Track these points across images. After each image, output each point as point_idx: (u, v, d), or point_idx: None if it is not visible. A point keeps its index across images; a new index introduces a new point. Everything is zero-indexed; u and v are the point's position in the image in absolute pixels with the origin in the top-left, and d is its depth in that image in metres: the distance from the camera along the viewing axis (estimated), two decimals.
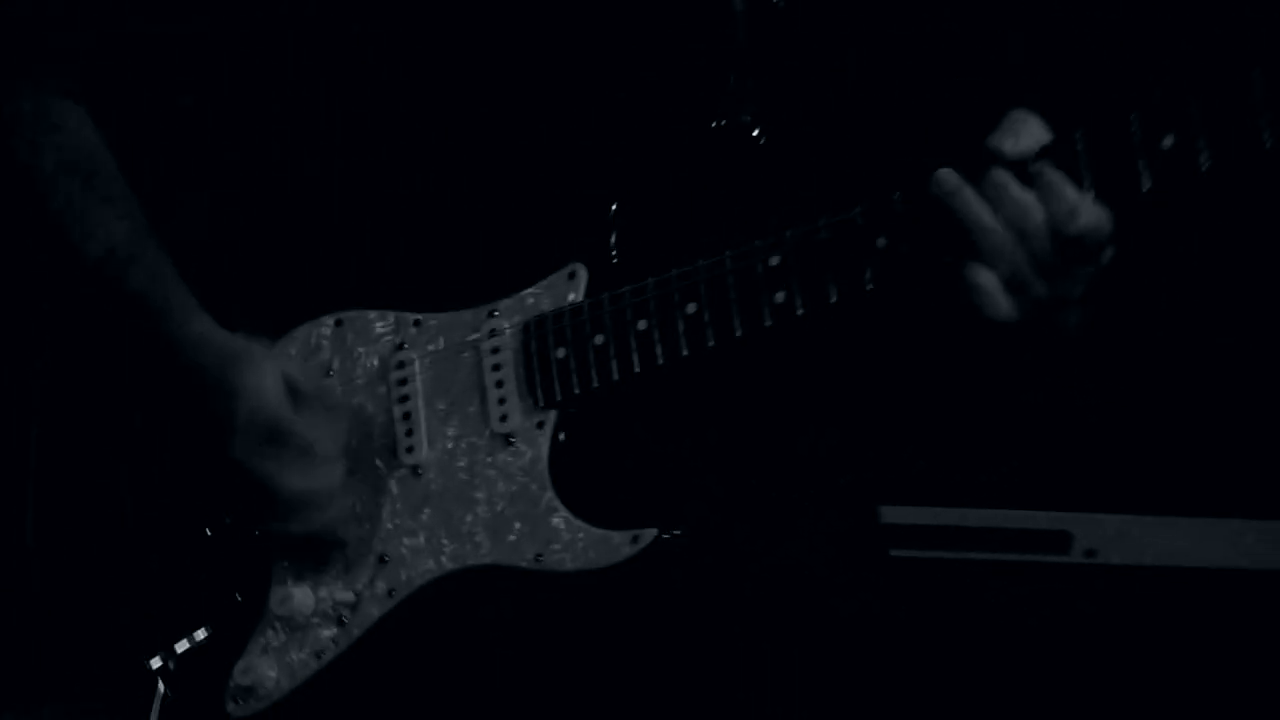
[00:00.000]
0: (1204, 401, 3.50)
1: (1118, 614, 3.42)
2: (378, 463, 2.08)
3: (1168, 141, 1.87)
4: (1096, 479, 3.39)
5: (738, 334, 1.97)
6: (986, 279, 1.90)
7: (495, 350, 2.04)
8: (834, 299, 1.95)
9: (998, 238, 1.87)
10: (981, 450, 3.36)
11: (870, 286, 1.95)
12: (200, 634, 2.10)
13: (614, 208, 2.06)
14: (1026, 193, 1.88)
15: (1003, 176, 1.87)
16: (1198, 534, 3.40)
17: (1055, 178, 1.88)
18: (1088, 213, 1.87)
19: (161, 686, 2.10)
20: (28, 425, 2.20)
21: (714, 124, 2.07)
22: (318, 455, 2.03)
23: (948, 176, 1.84)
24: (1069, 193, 1.88)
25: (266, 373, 2.01)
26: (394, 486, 2.06)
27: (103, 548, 2.14)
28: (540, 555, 2.01)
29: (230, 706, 2.06)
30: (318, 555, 2.07)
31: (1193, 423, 3.51)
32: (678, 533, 2.02)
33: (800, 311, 1.96)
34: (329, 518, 2.03)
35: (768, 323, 1.96)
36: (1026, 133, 1.88)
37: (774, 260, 1.95)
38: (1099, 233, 1.89)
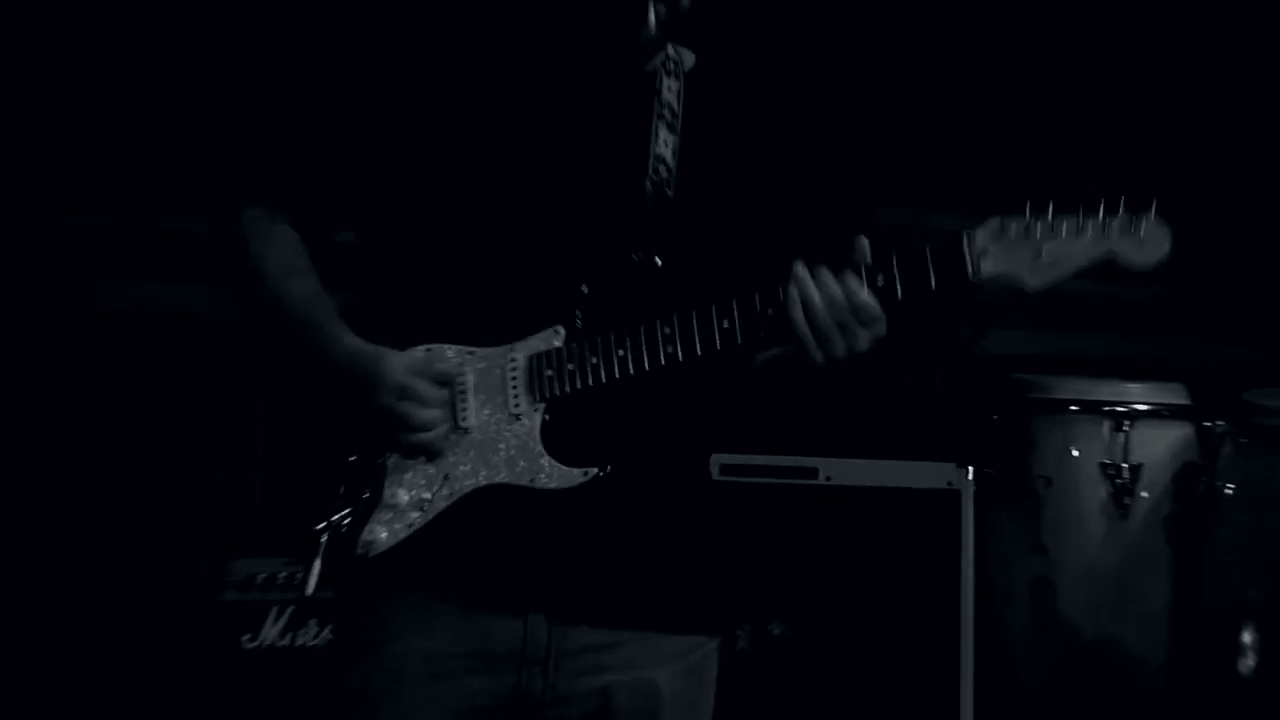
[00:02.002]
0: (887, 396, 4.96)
1: (842, 512, 4.71)
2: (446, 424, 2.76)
3: (920, 275, 2.62)
4: (833, 437, 4.79)
5: (647, 368, 2.70)
6: (805, 331, 2.63)
7: (513, 370, 2.75)
8: (710, 350, 2.66)
9: (815, 307, 2.62)
10: (772, 424, 4.56)
11: (739, 341, 2.66)
12: (346, 512, 2.78)
13: (581, 296, 2.77)
14: (836, 281, 2.63)
15: (825, 273, 2.63)
16: (890, 469, 4.74)
17: (850, 278, 2.63)
18: (867, 296, 2.63)
19: (324, 539, 2.76)
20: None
21: (634, 256, 2.77)
22: (431, 402, 2.73)
23: (798, 269, 2.62)
24: (856, 285, 2.63)
25: (397, 360, 2.72)
26: (455, 438, 2.76)
27: (294, 469, 2.87)
28: (534, 479, 2.74)
29: (359, 551, 2.74)
30: (413, 473, 2.73)
31: (885, 409, 5.00)
32: (609, 468, 2.74)
33: (681, 358, 2.67)
34: (433, 438, 2.72)
35: (663, 363, 2.69)
36: (841, 254, 2.60)
37: (667, 330, 2.69)
38: (872, 309, 2.62)
